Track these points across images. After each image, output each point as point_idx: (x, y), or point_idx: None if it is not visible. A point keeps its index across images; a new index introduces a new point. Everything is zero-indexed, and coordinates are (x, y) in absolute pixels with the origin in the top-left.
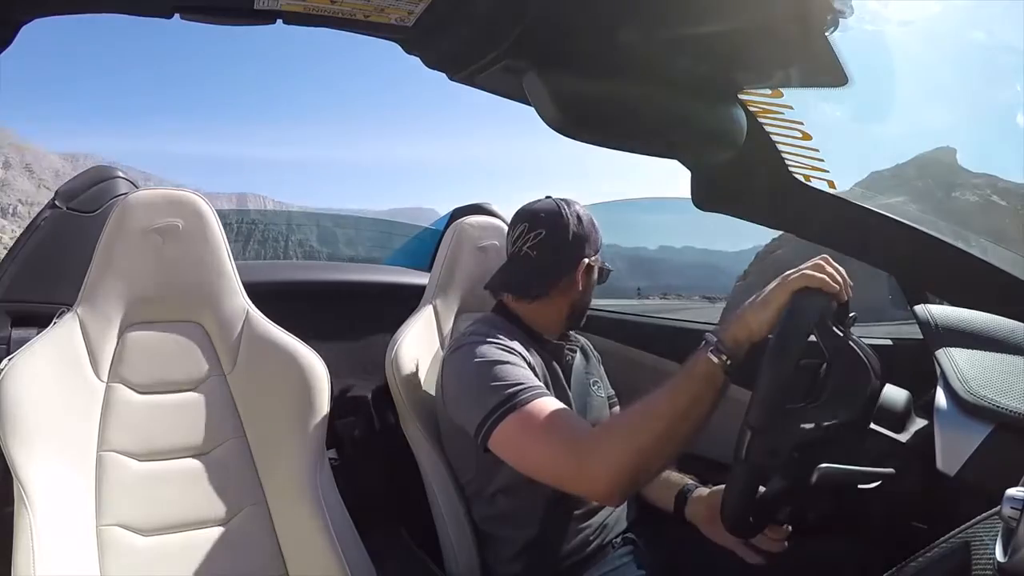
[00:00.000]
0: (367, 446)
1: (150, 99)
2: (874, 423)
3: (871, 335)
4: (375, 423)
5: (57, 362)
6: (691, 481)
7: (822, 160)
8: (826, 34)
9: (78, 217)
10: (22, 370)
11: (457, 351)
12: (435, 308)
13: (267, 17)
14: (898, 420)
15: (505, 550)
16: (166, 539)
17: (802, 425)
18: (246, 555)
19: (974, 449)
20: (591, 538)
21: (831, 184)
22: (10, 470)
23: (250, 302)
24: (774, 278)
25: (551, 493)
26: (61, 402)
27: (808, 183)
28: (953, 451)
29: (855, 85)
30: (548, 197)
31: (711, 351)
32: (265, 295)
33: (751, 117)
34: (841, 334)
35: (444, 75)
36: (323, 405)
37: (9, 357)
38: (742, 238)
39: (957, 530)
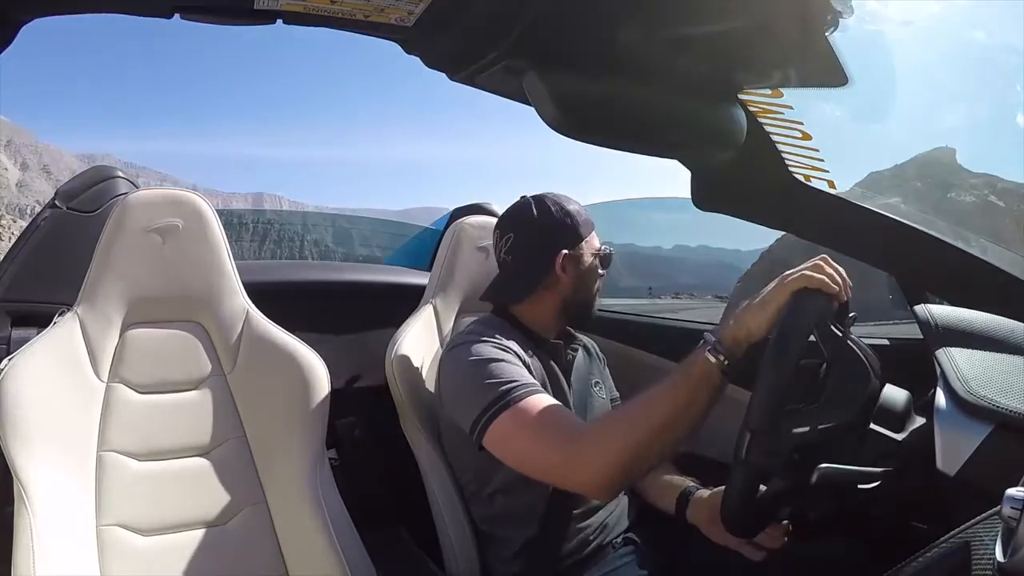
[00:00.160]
0: (367, 446)
1: (166, 100)
2: (874, 423)
3: (871, 335)
4: (375, 423)
5: (57, 362)
6: (692, 483)
7: (822, 160)
8: (826, 34)
9: (78, 217)
10: (22, 370)
11: (453, 350)
12: (435, 308)
13: (267, 17)
14: (898, 420)
15: (505, 550)
16: (166, 539)
17: (802, 425)
18: (246, 555)
19: (974, 449)
20: (591, 538)
21: (831, 184)
22: (10, 470)
23: (250, 302)
24: (773, 279)
25: (550, 493)
26: (61, 402)
27: (808, 183)
28: (953, 451)
29: (855, 85)
30: (523, 197)
31: (709, 350)
32: (265, 295)
33: (751, 117)
34: (841, 334)
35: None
36: (323, 405)
37: (9, 357)
38: (757, 237)
39: (957, 530)
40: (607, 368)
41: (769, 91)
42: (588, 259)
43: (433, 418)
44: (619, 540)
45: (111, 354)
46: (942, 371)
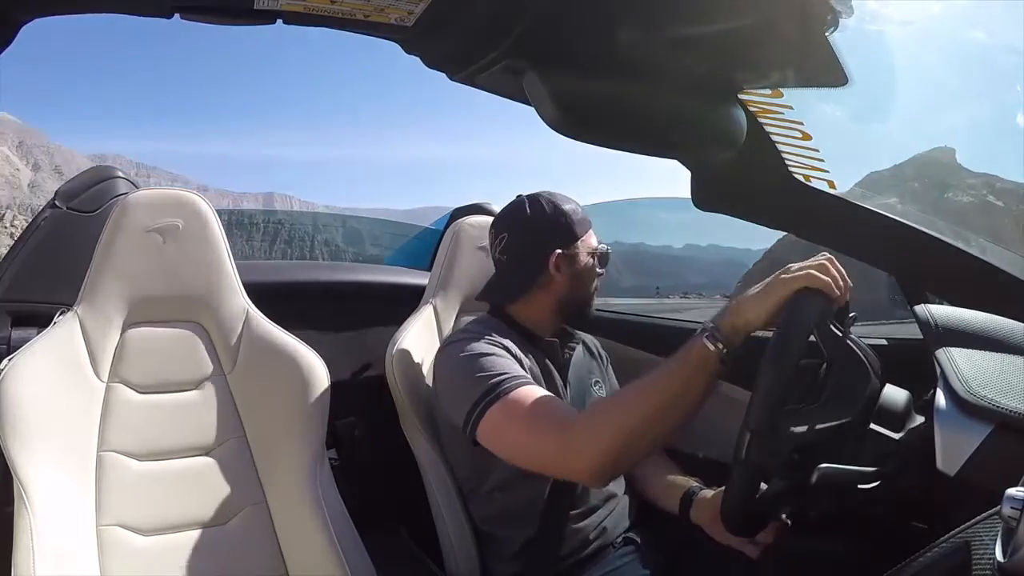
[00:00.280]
0: (367, 446)
1: (178, 101)
2: (874, 423)
3: (871, 335)
4: (375, 423)
5: (57, 362)
6: (696, 483)
7: (822, 160)
8: (826, 34)
9: (78, 217)
10: (22, 370)
11: (445, 348)
12: (435, 308)
13: (267, 17)
14: (898, 420)
15: (505, 550)
16: (166, 539)
17: (802, 425)
18: (246, 555)
19: (974, 449)
20: (591, 538)
21: (831, 184)
22: (10, 470)
23: (250, 302)
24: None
25: (549, 491)
26: (61, 402)
27: (808, 183)
28: (953, 451)
29: (855, 85)
30: (518, 196)
31: (707, 337)
32: (265, 295)
33: (751, 117)
34: (841, 334)
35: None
36: (323, 405)
37: (9, 357)
38: (767, 236)
39: (957, 530)
40: (610, 367)
41: (769, 91)
42: (583, 258)
43: (432, 418)
44: (619, 540)
45: (111, 354)
46: (942, 371)
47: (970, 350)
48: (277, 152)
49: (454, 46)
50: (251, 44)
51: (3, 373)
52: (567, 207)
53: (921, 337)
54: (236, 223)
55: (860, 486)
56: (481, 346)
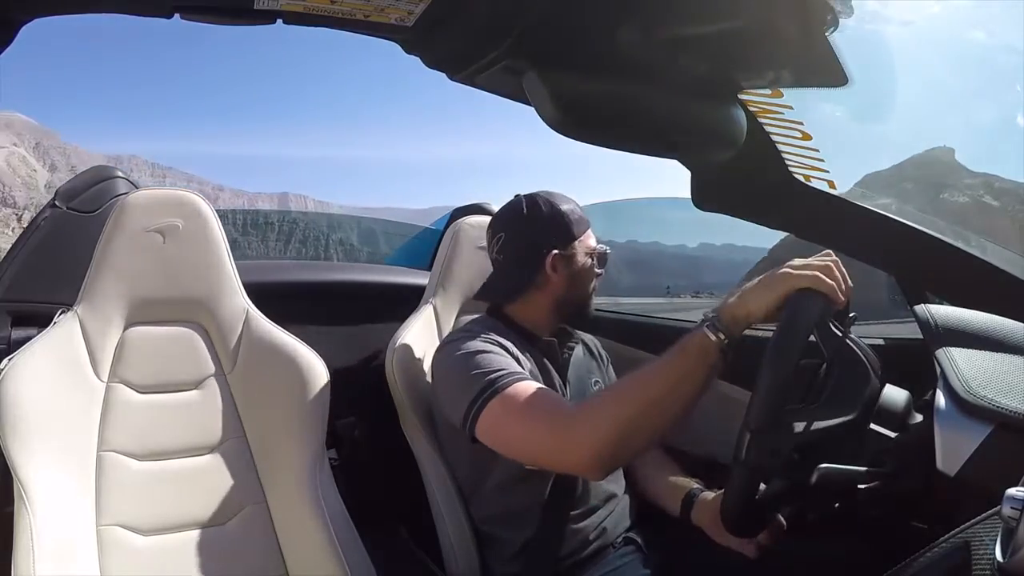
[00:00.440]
0: (367, 446)
1: (192, 102)
2: (874, 423)
3: (871, 335)
4: (375, 423)
5: (57, 362)
6: (697, 485)
7: (822, 160)
8: (826, 34)
9: (78, 217)
10: (22, 370)
11: (443, 347)
12: (435, 308)
13: (267, 17)
14: (898, 420)
15: (505, 550)
16: (166, 539)
17: (802, 426)
18: (246, 555)
19: (974, 449)
20: (591, 538)
21: (831, 184)
22: (10, 470)
23: (250, 302)
24: None
25: (549, 491)
26: (61, 402)
27: (808, 183)
28: (953, 451)
29: (855, 85)
30: (516, 196)
31: (707, 327)
32: (265, 295)
33: (751, 117)
34: (841, 334)
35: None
36: (323, 405)
37: (9, 357)
38: (781, 233)
39: (957, 530)
40: (611, 367)
41: (769, 91)
42: (581, 259)
43: (432, 418)
44: (619, 540)
45: (111, 354)
46: (942, 371)
47: (970, 350)
48: (292, 152)
49: (454, 46)
50: (267, 45)
51: (3, 373)
52: (565, 207)
53: (921, 337)
54: (252, 223)
55: (860, 486)
56: (478, 344)
